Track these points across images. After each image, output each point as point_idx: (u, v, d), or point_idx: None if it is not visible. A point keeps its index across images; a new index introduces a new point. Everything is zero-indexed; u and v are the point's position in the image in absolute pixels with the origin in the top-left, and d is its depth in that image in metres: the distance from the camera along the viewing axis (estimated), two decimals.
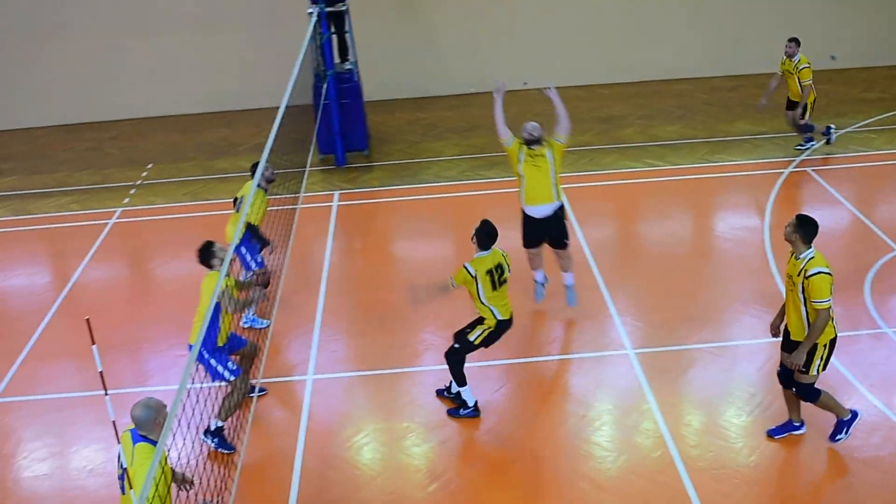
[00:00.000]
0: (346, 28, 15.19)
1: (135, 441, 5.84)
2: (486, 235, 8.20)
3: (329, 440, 8.48)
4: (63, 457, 8.65)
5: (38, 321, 10.94)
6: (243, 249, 9.89)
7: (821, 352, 7.42)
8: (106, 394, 5.17)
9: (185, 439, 6.61)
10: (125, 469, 5.83)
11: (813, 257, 7.25)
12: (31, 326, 10.81)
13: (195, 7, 17.70)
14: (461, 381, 8.53)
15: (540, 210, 9.62)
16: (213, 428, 8.13)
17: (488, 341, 8.53)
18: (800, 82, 13.52)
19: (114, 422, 5.23)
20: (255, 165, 9.44)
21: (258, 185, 9.32)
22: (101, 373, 5.05)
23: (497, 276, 8.22)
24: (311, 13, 14.24)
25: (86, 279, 11.97)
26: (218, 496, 6.91)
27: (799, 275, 7.23)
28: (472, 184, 13.87)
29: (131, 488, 5.66)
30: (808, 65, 13.47)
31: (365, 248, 12.48)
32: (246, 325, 10.13)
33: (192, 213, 13.65)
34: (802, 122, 13.81)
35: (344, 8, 14.86)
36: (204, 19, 17.77)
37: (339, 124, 14.61)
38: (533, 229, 9.81)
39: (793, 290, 7.37)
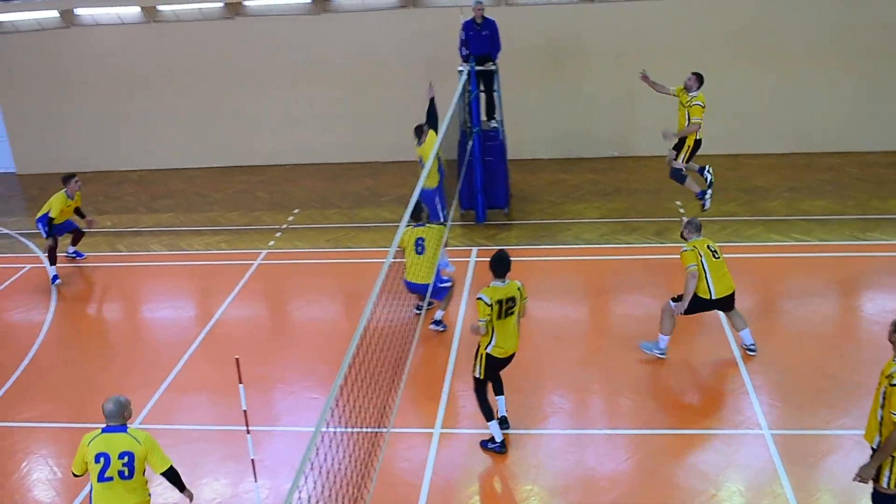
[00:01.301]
0: (495, 87, 15.42)
1: (117, 430, 7.07)
2: (498, 261, 8.73)
3: (452, 496, 8.48)
4: (193, 487, 8.92)
5: (181, 353, 11.41)
6: (437, 199, 12.97)
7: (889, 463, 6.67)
8: (248, 432, 5.32)
9: (315, 482, 6.70)
10: (126, 455, 6.95)
11: None
12: (175, 358, 11.28)
13: (350, 60, 18.30)
14: (486, 415, 8.94)
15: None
16: (439, 318, 11.13)
17: (489, 372, 8.88)
18: (688, 117, 12.87)
19: (253, 460, 5.36)
20: (420, 127, 13.32)
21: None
22: (244, 411, 5.20)
23: (505, 307, 8.62)
24: (461, 71, 14.55)
25: (228, 316, 12.43)
26: None
27: (887, 377, 6.58)
28: (612, 248, 13.75)
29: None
30: (701, 104, 12.77)
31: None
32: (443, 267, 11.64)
33: (333, 260, 14.02)
34: (675, 163, 13.25)
35: (493, 68, 15.11)
36: (357, 72, 18.35)
37: (482, 181, 14.79)
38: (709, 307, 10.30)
39: (877, 389, 6.71)
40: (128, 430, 7.12)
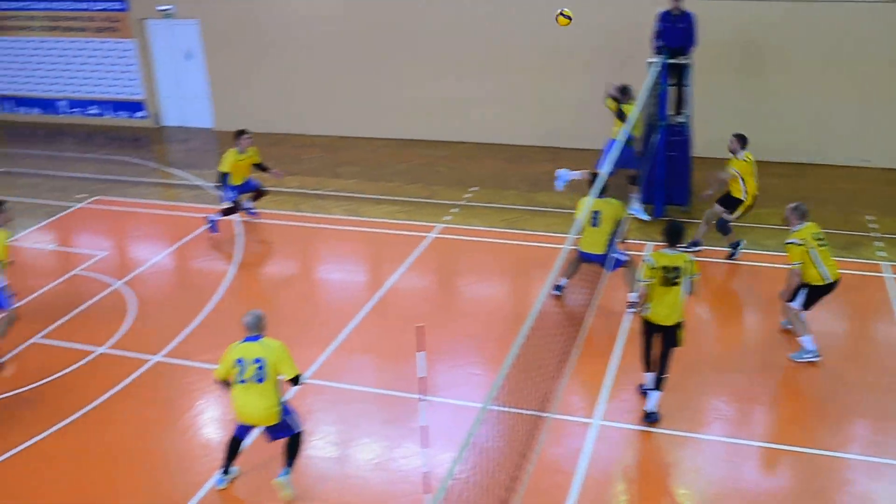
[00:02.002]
0: (686, 82, 15.05)
1: (254, 340, 8.08)
2: (671, 230, 9.10)
3: (605, 489, 8.42)
4: (352, 446, 9.23)
5: (351, 317, 11.78)
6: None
7: None
8: (421, 399, 5.45)
9: (475, 457, 6.81)
10: (259, 360, 7.92)
11: None
12: (345, 320, 11.66)
13: (541, 45, 18.25)
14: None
15: None
16: (632, 299, 10.54)
17: (645, 334, 9.30)
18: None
19: (424, 427, 5.50)
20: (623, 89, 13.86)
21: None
22: (421, 378, 5.33)
23: (670, 275, 8.85)
24: (651, 63, 14.27)
25: (399, 286, 12.72)
26: None
27: None
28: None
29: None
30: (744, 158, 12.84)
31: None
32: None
33: (506, 241, 14.09)
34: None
35: (687, 62, 14.75)
36: (547, 58, 18.30)
37: (664, 176, 14.50)
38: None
39: None
40: (263, 339, 8.10)
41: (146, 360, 10.91)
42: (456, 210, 15.44)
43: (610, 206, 11.25)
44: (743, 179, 12.82)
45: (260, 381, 8.00)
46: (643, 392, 9.56)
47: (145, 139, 21.09)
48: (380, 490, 8.53)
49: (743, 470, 8.71)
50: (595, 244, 11.24)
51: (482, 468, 7.13)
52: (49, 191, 17.21)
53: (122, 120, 22.20)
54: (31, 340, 11.48)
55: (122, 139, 21.14)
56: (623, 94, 14.09)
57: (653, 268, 8.91)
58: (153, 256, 14.05)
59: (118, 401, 10.15)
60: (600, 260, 11.22)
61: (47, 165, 19.02)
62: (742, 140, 12.89)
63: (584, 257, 11.46)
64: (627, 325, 11.23)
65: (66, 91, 22.49)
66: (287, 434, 8.33)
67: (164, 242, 14.56)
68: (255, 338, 8.14)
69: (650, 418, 9.24)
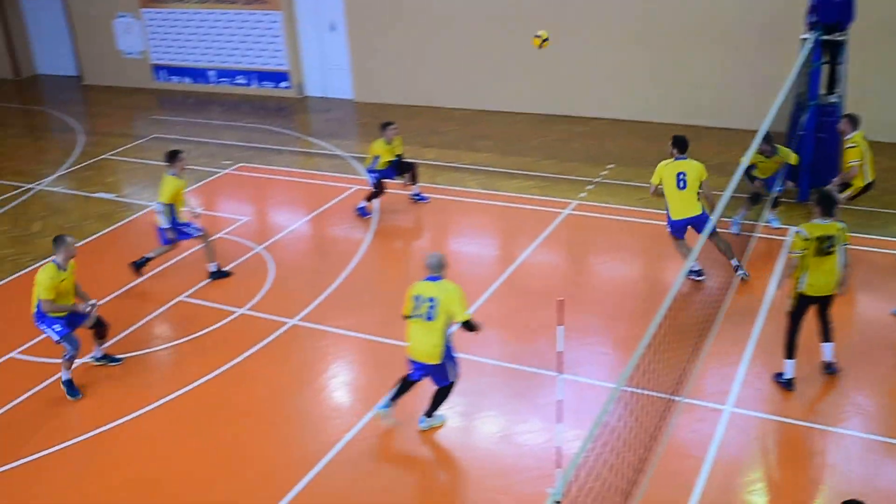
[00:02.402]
0: (840, 60, 14.38)
1: (433, 280, 8.50)
2: (825, 198, 8.96)
3: (733, 478, 8.23)
4: (479, 417, 9.30)
5: (482, 290, 11.84)
6: None
7: None
8: (559, 375, 5.46)
9: (605, 437, 6.77)
10: (432, 300, 8.33)
11: None
12: (476, 293, 11.72)
13: (685, 19, 17.80)
14: (786, 351, 9.22)
15: None
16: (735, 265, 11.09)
17: (800, 310, 9.13)
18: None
19: (559, 401, 5.52)
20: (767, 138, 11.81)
21: None
22: (559, 353, 5.33)
23: (824, 245, 8.76)
24: (804, 39, 13.69)
25: (531, 261, 12.70)
26: (621, 496, 7.01)
27: None
28: None
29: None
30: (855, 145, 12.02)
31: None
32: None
33: (641, 220, 13.86)
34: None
35: (843, 38, 14.09)
36: (690, 32, 17.82)
37: (811, 158, 13.93)
38: None
39: None
40: (441, 280, 8.51)
41: (283, 323, 11.26)
42: (591, 187, 15.28)
43: (691, 166, 11.18)
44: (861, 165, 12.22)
45: (429, 319, 8.40)
46: (781, 382, 9.28)
47: (289, 109, 21.67)
48: (507, 462, 8.58)
49: (883, 469, 8.34)
50: (687, 207, 11.08)
51: (611, 447, 7.08)
52: (198, 157, 17.90)
53: (267, 90, 22.84)
54: (178, 299, 12.02)
55: (266, 108, 21.78)
56: (770, 143, 12.41)
57: (806, 239, 8.84)
58: (292, 223, 14.46)
59: (255, 360, 10.53)
60: (696, 221, 10.98)
61: (197, 133, 19.80)
62: (854, 121, 12.30)
63: (677, 225, 11.23)
64: (766, 311, 10.90)
65: (216, 61, 23.30)
66: (442, 383, 8.70)
67: (304, 210, 14.95)
68: (435, 278, 8.56)
69: (830, 369, 9.47)
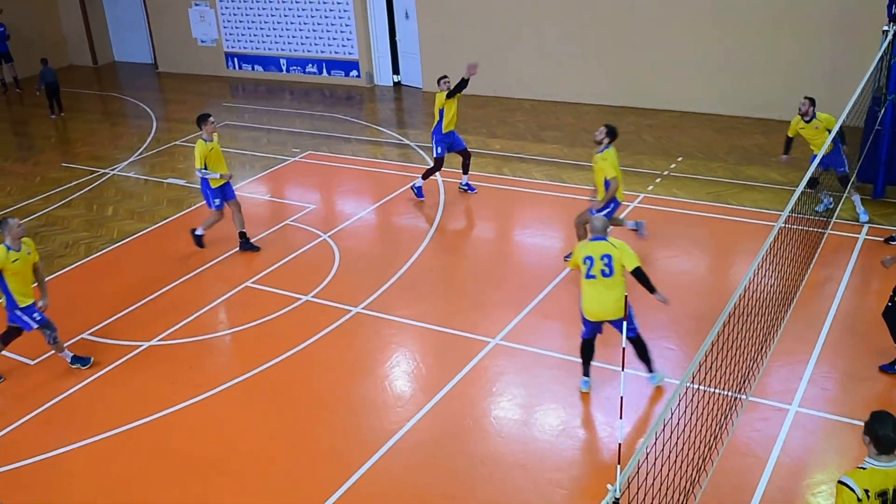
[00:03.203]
0: None
1: (600, 240, 8.88)
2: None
3: (797, 478, 8.07)
4: (540, 410, 9.27)
5: (547, 282, 11.79)
6: None
7: None
8: (622, 370, 5.42)
9: (669, 434, 6.69)
10: (606, 256, 8.71)
11: None
12: (541, 285, 11.68)
13: (757, 9, 17.44)
14: None
15: None
16: None
17: None
18: None
19: (622, 397, 5.48)
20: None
21: None
22: (624, 349, 5.30)
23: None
24: (886, 31, 13.31)
25: None
26: (682, 495, 6.94)
27: None
28: None
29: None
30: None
31: (882, 289, 11.53)
32: None
33: (711, 214, 13.64)
34: None
35: None
36: (763, 22, 17.46)
37: (887, 154, 13.56)
38: None
39: None
40: (608, 238, 8.91)
41: (348, 311, 11.36)
42: (660, 180, 15.09)
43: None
44: None
45: (607, 275, 8.73)
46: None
47: (358, 97, 21.82)
48: (566, 456, 8.55)
49: None
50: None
51: (673, 445, 7.00)
52: (267, 144, 18.14)
53: (337, 78, 23.03)
54: (244, 284, 12.21)
55: (336, 97, 21.97)
56: (812, 103, 12.76)
57: None
58: (359, 211, 14.57)
59: (319, 347, 10.65)
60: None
61: (267, 120, 20.07)
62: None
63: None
64: (835, 310, 10.66)
65: (287, 50, 23.56)
66: (633, 331, 9.05)
67: (370, 198, 15.06)
68: (601, 238, 8.91)
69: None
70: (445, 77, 14.45)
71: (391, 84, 22.49)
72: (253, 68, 24.21)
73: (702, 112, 18.53)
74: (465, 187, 15.03)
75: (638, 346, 9.18)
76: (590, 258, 8.80)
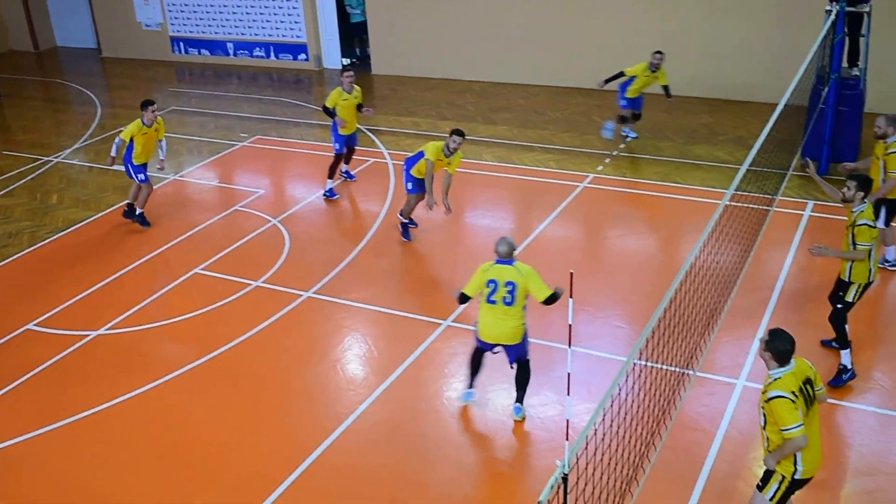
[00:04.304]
0: (863, 31, 14.17)
1: (507, 263, 8.37)
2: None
3: (745, 450, 8.23)
4: (493, 391, 9.31)
5: None
6: None
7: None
8: (570, 347, 5.44)
9: (617, 410, 6.76)
10: (510, 283, 8.24)
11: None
12: None
13: None
14: (844, 343, 8.98)
15: None
16: None
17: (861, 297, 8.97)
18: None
19: (569, 374, 5.51)
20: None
21: None
22: (570, 326, 5.32)
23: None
24: (828, 11, 13.50)
25: (547, 234, 12.67)
26: (631, 469, 7.02)
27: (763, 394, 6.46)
28: None
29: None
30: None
31: (826, 266, 11.74)
32: None
33: (660, 193, 13.78)
34: None
35: (866, 10, 13.86)
36: (710, 4, 17.62)
37: (831, 132, 13.79)
38: None
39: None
40: (514, 263, 8.39)
41: (299, 296, 11.31)
42: (608, 161, 15.19)
43: None
44: None
45: (508, 303, 8.33)
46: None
47: (307, 81, 21.64)
48: (518, 435, 8.62)
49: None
50: None
51: (622, 421, 7.08)
52: (215, 129, 17.93)
53: (285, 62, 22.81)
54: (194, 271, 12.08)
55: (284, 81, 21.76)
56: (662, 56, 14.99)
57: (873, 227, 8.64)
58: (308, 195, 14.48)
59: (271, 332, 10.59)
60: None
61: (214, 105, 19.82)
62: (893, 120, 10.33)
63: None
64: (781, 285, 10.84)
65: (234, 33, 23.27)
66: (524, 356, 8.67)
67: (320, 183, 14.95)
68: (509, 262, 8.42)
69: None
70: (349, 70, 14.23)
71: (340, 67, 22.33)
72: (199, 52, 23.88)
73: (650, 93, 18.60)
74: (346, 175, 14.86)
75: (523, 372, 8.78)
76: (494, 282, 8.33)
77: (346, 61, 22.54)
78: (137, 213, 13.45)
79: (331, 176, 14.26)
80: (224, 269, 12.10)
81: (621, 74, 15.07)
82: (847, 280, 8.84)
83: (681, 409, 8.32)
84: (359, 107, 14.10)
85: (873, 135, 10.55)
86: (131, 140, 13.02)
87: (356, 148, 14.73)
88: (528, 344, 8.74)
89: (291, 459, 8.38)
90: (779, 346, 6.34)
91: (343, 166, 14.75)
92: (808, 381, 6.42)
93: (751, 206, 10.61)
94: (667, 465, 7.77)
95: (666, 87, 15.25)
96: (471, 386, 9.03)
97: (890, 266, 11.16)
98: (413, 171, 12.34)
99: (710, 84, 18.05)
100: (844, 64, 14.28)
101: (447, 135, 12.13)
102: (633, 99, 15.42)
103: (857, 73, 14.29)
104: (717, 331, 9.05)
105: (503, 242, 8.47)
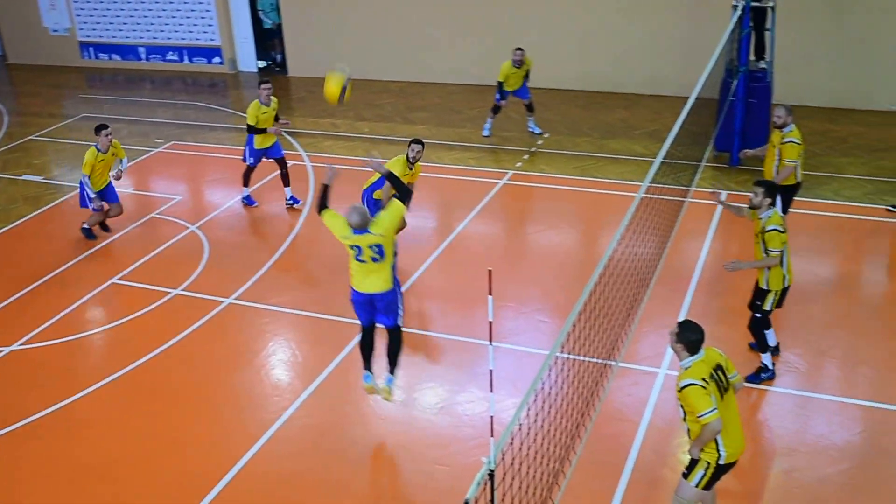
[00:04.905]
0: (768, 25, 14.56)
1: (364, 233, 8.26)
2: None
3: (669, 438, 8.39)
4: (419, 389, 9.33)
5: (420, 262, 11.84)
6: None
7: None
8: (490, 343, 5.47)
9: (541, 404, 6.82)
10: (379, 245, 8.26)
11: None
12: (414, 266, 11.74)
13: None
14: (764, 347, 9.12)
15: None
16: None
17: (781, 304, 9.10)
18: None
19: (491, 371, 5.54)
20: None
21: None
22: (490, 323, 5.34)
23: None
24: (735, 6, 13.84)
25: (468, 232, 12.73)
26: (557, 462, 7.09)
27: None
28: (875, 209, 12.81)
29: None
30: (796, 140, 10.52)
31: (742, 254, 12.03)
32: None
33: (577, 188, 13.95)
34: None
35: (770, 4, 14.26)
36: (624, 2, 17.91)
37: (741, 123, 14.15)
38: None
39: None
40: (370, 230, 8.31)
41: (220, 302, 11.15)
42: (527, 157, 15.33)
43: None
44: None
45: (377, 260, 8.36)
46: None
47: (222, 84, 21.34)
48: (445, 433, 8.63)
49: (812, 424, 8.56)
50: None
51: (547, 414, 7.15)
52: (129, 136, 17.55)
53: (199, 66, 22.46)
54: (110, 281, 11.82)
55: (199, 85, 21.43)
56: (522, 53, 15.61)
57: (783, 231, 8.66)
58: (227, 201, 14.28)
59: (193, 341, 10.41)
60: None
61: (127, 111, 19.41)
62: (791, 111, 10.67)
63: None
64: (699, 274, 11.07)
65: (146, 37, 22.82)
66: (392, 321, 8.63)
67: (238, 187, 14.74)
68: (364, 231, 8.31)
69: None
70: (267, 84, 13.48)
71: (255, 70, 22.08)
72: (110, 57, 23.35)
73: (566, 89, 18.88)
74: (291, 202, 13.95)
75: (394, 340, 8.72)
76: (357, 247, 8.34)
77: (263, 64, 22.29)
78: (83, 226, 13.02)
79: (245, 184, 13.97)
80: (142, 279, 11.86)
81: (500, 84, 15.72)
82: (765, 288, 8.94)
83: (605, 400, 8.43)
84: (276, 118, 13.64)
85: (772, 124, 10.78)
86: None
87: (286, 161, 13.89)
88: (401, 299, 8.70)
89: (218, 468, 8.26)
90: (689, 337, 6.56)
91: (286, 191, 13.89)
92: (719, 368, 6.58)
93: (667, 197, 10.81)
94: (593, 455, 7.86)
95: (527, 73, 15.85)
96: (367, 368, 8.80)
97: None
98: (374, 195, 11.72)
99: (625, 80, 18.34)
100: (752, 57, 14.66)
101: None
102: (513, 91, 15.93)
103: (765, 66, 14.67)
104: (638, 321, 9.20)
105: (355, 213, 8.35)
